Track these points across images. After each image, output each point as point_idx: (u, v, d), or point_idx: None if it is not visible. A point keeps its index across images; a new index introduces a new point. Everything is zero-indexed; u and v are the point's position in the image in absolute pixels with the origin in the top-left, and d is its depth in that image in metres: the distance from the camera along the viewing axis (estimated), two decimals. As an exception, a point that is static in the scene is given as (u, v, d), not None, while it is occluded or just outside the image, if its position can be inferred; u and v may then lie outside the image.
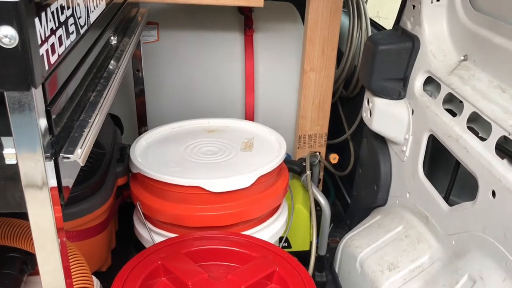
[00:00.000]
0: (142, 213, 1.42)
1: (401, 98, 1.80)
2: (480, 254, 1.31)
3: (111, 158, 1.53)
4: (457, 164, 1.55)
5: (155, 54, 2.00)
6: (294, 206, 1.92)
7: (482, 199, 1.31)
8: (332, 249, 2.10)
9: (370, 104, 1.87)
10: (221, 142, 1.59)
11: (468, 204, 1.38)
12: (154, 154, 1.50)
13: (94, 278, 1.27)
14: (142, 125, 1.96)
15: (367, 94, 1.92)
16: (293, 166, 1.95)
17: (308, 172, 1.91)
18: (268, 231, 1.47)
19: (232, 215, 1.35)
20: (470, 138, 1.39)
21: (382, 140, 1.94)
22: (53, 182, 0.75)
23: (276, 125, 2.22)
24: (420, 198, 1.67)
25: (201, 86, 2.07)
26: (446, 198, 1.57)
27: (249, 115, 2.17)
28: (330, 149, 2.35)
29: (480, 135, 1.43)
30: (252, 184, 1.35)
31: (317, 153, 2.16)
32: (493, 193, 1.25)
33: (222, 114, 2.07)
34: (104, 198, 1.43)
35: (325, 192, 2.61)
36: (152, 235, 1.42)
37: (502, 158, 1.29)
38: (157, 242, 1.40)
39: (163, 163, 1.44)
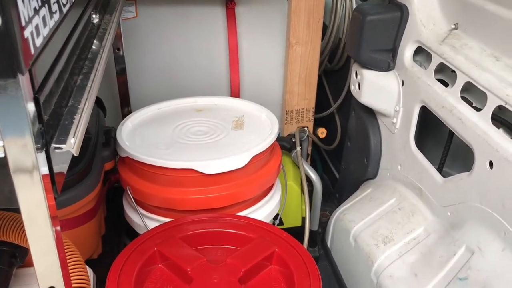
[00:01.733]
0: (133, 198, 1.37)
1: (391, 70, 1.77)
2: (478, 224, 1.31)
3: (96, 142, 1.47)
4: (451, 135, 1.53)
5: (135, 31, 1.92)
6: (285, 183, 1.90)
7: (479, 170, 1.30)
8: (322, 223, 2.10)
9: (359, 77, 1.84)
10: (211, 121, 1.54)
11: (464, 175, 1.38)
12: (141, 137, 1.44)
13: (87, 267, 1.23)
14: (125, 106, 1.90)
15: (355, 67, 1.88)
16: (283, 143, 1.92)
17: (298, 148, 1.88)
18: (263, 211, 1.44)
19: (227, 197, 1.32)
20: (465, 109, 1.37)
21: (371, 113, 1.92)
22: (45, 173, 0.70)
23: (263, 101, 2.17)
24: (413, 170, 1.66)
25: (184, 63, 2.00)
26: (440, 170, 1.57)
27: (235, 92, 2.11)
28: (316, 123, 2.32)
29: (474, 105, 1.42)
30: (246, 164, 1.31)
31: (305, 128, 2.13)
32: (490, 164, 1.24)
33: (206, 92, 2.02)
34: (92, 184, 1.38)
35: (313, 166, 2.60)
36: (144, 220, 1.38)
37: (498, 128, 1.28)
38: (150, 227, 1.37)
39: (152, 145, 1.39)
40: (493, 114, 1.27)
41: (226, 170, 1.28)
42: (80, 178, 1.35)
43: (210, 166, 1.27)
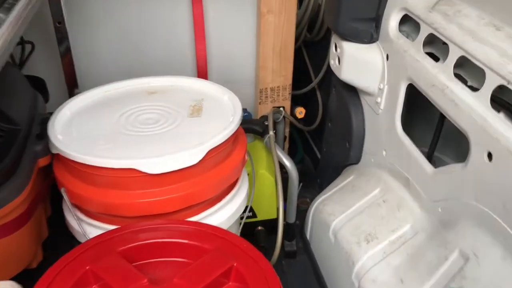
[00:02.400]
0: (69, 201, 1.16)
1: (374, 42, 1.55)
2: (473, 226, 1.11)
3: (28, 134, 1.25)
4: (442, 118, 1.33)
5: (79, 0, 1.67)
6: (257, 172, 1.70)
7: (475, 162, 1.10)
8: (302, 212, 1.91)
9: (338, 50, 1.62)
10: (164, 106, 1.32)
11: (457, 167, 1.18)
12: (79, 127, 1.22)
13: (12, 283, 1.04)
14: (72, 89, 1.66)
15: (334, 38, 1.66)
16: (253, 127, 1.71)
17: (271, 133, 1.67)
18: (226, 212, 1.24)
19: (178, 199, 1.11)
20: (459, 88, 1.16)
21: (353, 90, 1.71)
22: None
23: (234, 78, 1.96)
24: (399, 157, 1.46)
25: (141, 38, 1.76)
26: (429, 158, 1.37)
27: (201, 70, 1.89)
28: (295, 100, 2.10)
29: (469, 84, 1.21)
30: (200, 160, 1.10)
31: (281, 109, 1.91)
32: (489, 155, 1.04)
33: (168, 70, 1.79)
34: (20, 185, 1.16)
35: (293, 148, 2.40)
36: (83, 227, 1.17)
37: (498, 112, 1.08)
38: (90, 235, 1.17)
39: (91, 138, 1.17)
40: (492, 95, 1.07)
41: (174, 169, 1.07)
42: (5, 179, 1.13)
43: (154, 164, 1.06)
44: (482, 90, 1.08)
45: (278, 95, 1.96)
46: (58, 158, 1.19)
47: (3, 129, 1.20)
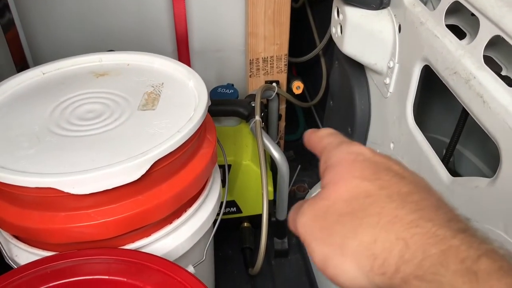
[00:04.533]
0: (-14, 219, 0.92)
1: (384, 7, 1.24)
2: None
3: None
4: (465, 114, 1.04)
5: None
6: (241, 163, 1.44)
7: (507, 179, 0.82)
8: (298, 199, 1.67)
9: (341, 16, 1.32)
10: (112, 94, 1.05)
11: (482, 182, 0.90)
12: (1, 124, 0.97)
13: None
14: (22, 69, 1.40)
15: (336, 2, 1.35)
16: (237, 109, 1.44)
17: (257, 117, 1.39)
18: (186, 230, 1.00)
19: (117, 223, 0.86)
20: (490, 80, 0.86)
21: (359, 66, 1.41)
22: None
23: (220, 47, 1.67)
24: (409, 153, 1.19)
25: (105, 2, 1.48)
26: (446, 162, 1.09)
27: (181, 37, 1.60)
28: (297, 69, 1.82)
29: (504, 72, 0.91)
30: (144, 174, 0.84)
31: (274, 84, 1.63)
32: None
33: (140, 41, 1.52)
34: None
35: (294, 119, 2.13)
36: (8, 250, 0.95)
37: (543, 116, 0.79)
38: (14, 257, 0.94)
39: (11, 141, 0.92)
40: (537, 93, 0.78)
41: (107, 188, 0.82)
42: None
43: (79, 183, 0.80)
44: (523, 86, 0.79)
45: (272, 67, 1.68)
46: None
47: None
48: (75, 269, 0.84)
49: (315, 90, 2.02)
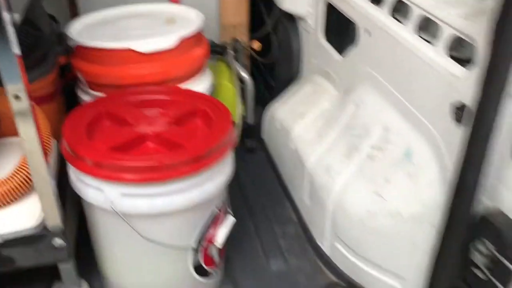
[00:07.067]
0: (84, 80, 1.66)
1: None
2: (363, 85, 1.65)
3: (50, 40, 1.74)
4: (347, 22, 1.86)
5: None
6: (221, 83, 2.21)
7: (362, 40, 1.63)
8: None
9: (280, -15, 2.13)
10: (147, 21, 1.82)
11: (353, 49, 1.71)
12: (88, 32, 1.72)
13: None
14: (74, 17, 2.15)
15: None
16: (216, 48, 2.21)
17: (231, 51, 2.18)
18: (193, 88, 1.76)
19: (160, 73, 1.62)
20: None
21: (293, 20, 2.22)
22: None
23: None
24: (322, 58, 1.99)
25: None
26: (339, 51, 1.90)
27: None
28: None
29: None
30: (175, 45, 1.60)
31: (239, 39, 2.42)
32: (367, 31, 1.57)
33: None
34: (49, 69, 1.65)
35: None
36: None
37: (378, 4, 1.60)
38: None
39: (98, 37, 1.67)
40: None
41: (158, 49, 1.58)
42: (37, 64, 1.62)
43: (144, 45, 1.57)
44: (363, -9, 1.61)
45: (238, 32, 2.47)
46: (74, 54, 1.69)
47: (33, 33, 1.69)
48: (138, 95, 1.57)
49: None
